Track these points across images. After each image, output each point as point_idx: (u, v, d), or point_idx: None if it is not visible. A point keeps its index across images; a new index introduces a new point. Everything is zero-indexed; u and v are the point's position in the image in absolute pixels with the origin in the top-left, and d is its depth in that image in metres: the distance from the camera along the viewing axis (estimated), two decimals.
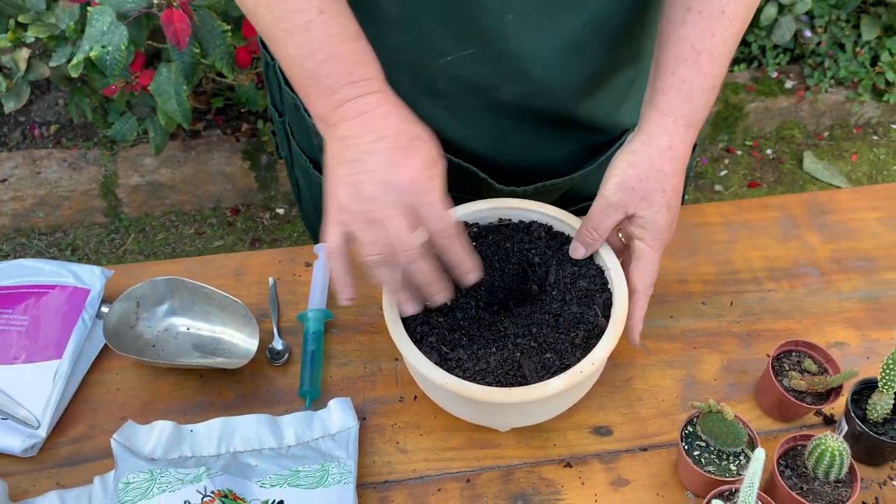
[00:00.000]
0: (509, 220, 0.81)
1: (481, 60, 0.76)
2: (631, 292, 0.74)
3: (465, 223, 0.80)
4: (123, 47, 1.24)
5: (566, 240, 0.79)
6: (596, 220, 0.74)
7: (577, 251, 0.77)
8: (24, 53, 1.64)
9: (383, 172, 0.63)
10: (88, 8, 1.26)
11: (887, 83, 2.31)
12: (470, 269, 0.69)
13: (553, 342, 0.72)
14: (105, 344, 0.83)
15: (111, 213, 2.09)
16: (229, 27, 1.33)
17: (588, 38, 0.75)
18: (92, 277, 0.86)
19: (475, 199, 0.82)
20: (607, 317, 0.72)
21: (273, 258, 0.93)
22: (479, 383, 0.68)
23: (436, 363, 0.69)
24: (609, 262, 0.76)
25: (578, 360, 0.69)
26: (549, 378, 0.68)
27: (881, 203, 0.99)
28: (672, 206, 0.73)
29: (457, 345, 0.72)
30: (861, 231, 0.96)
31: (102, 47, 1.24)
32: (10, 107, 1.66)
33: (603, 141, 0.89)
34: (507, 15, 0.71)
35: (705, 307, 0.88)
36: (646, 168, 0.72)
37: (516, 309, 0.76)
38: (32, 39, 1.62)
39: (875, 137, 2.39)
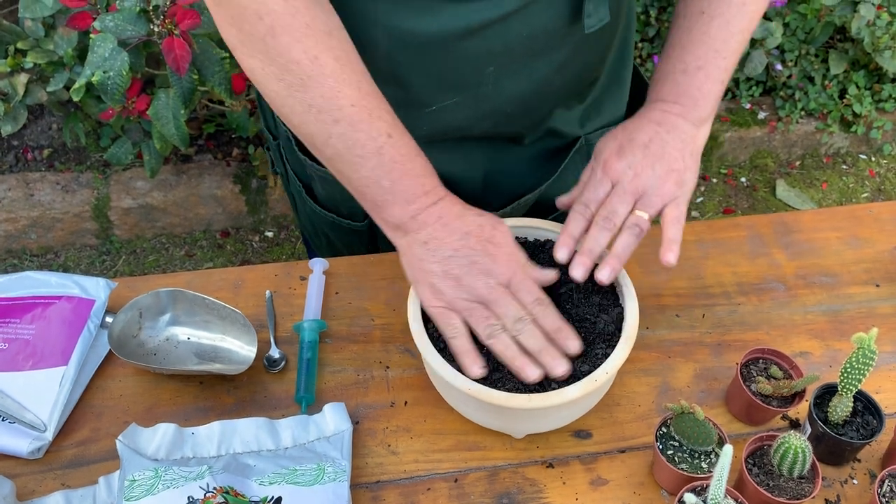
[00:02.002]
0: (525, 238, 0.86)
1: (462, 107, 0.82)
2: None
3: None
4: (124, 72, 1.29)
5: None
6: (586, 191, 0.80)
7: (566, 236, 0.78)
8: (23, 78, 1.69)
9: (482, 263, 0.72)
10: (91, 35, 1.31)
11: (855, 115, 2.41)
12: (569, 336, 0.73)
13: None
14: (109, 352, 0.87)
15: (103, 235, 2.12)
16: (227, 55, 1.39)
17: (555, 78, 0.83)
18: (97, 289, 0.90)
19: None
20: (619, 329, 0.77)
21: (269, 272, 0.97)
22: (499, 390, 0.72)
23: (458, 370, 0.73)
24: (621, 278, 0.80)
25: (592, 369, 0.73)
26: (566, 386, 0.72)
27: (842, 223, 1.05)
28: (662, 158, 0.78)
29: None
30: (824, 249, 1.02)
31: (104, 72, 1.29)
32: (7, 130, 1.71)
33: (561, 146, 0.95)
34: (489, 68, 0.78)
35: (679, 319, 0.93)
36: (622, 129, 0.81)
37: None
38: (31, 65, 1.67)
39: (844, 167, 2.49)
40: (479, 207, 0.92)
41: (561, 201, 0.84)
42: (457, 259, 0.72)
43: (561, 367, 0.72)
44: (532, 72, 0.80)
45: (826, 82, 2.40)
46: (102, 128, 2.11)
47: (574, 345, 0.73)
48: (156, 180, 2.10)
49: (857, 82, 2.39)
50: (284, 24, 0.67)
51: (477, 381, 0.73)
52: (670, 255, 0.76)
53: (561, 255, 0.77)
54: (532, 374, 0.71)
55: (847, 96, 2.40)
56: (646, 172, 0.77)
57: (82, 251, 2.12)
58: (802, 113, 2.43)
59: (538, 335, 0.72)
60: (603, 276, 0.75)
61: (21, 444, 0.78)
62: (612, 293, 0.81)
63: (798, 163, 2.49)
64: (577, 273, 0.75)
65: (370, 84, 0.72)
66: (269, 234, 2.21)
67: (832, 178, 2.45)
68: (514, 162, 0.92)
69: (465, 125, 0.85)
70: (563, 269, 0.83)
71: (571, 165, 0.94)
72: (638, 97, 0.99)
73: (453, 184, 0.90)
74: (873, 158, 2.52)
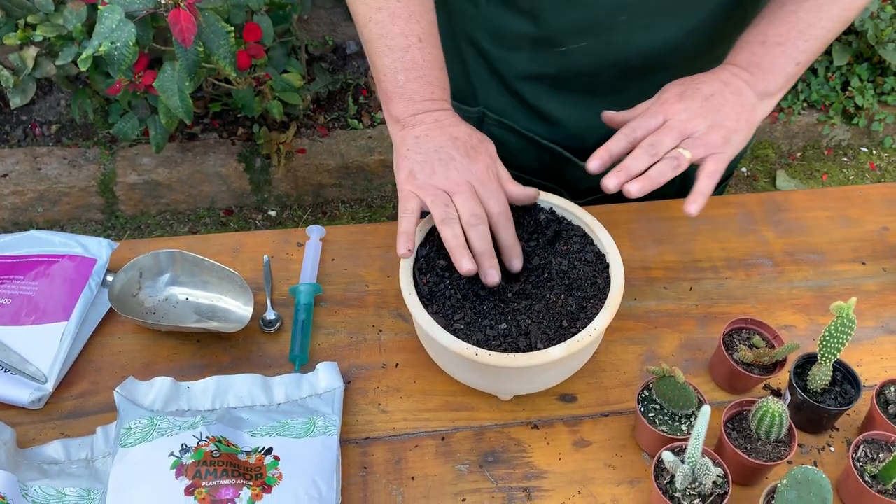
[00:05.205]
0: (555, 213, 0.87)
1: (591, 52, 0.86)
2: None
3: None
4: (131, 44, 1.32)
5: (568, 225, 0.85)
6: (639, 118, 0.80)
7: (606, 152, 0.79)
8: (32, 52, 1.71)
9: (460, 161, 0.78)
10: (99, 6, 1.33)
11: (857, 107, 2.42)
12: (516, 255, 0.80)
13: (555, 314, 0.78)
14: (109, 310, 0.90)
15: (108, 210, 2.15)
16: (233, 29, 1.41)
17: (687, 41, 0.85)
18: (99, 248, 0.92)
19: (559, 184, 0.91)
20: (605, 293, 0.79)
21: (268, 238, 1.00)
22: (484, 349, 0.74)
23: (444, 328, 0.75)
24: (608, 245, 0.82)
25: (578, 330, 0.75)
26: (552, 346, 0.74)
27: (832, 204, 1.07)
28: (719, 112, 0.78)
29: (465, 313, 0.78)
30: (813, 228, 1.04)
31: (111, 43, 1.32)
32: (16, 102, 1.73)
33: None
34: (621, 16, 0.81)
35: (667, 291, 0.95)
36: (691, 78, 0.81)
37: (521, 283, 0.82)
38: (40, 38, 1.69)
39: (845, 159, 2.50)
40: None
41: (606, 114, 0.85)
42: (439, 153, 0.78)
43: (494, 276, 0.76)
44: (663, 29, 0.82)
45: (829, 74, 2.40)
46: (111, 104, 2.13)
47: (517, 264, 0.79)
48: (161, 157, 2.13)
49: (859, 74, 2.39)
50: None
51: (464, 342, 0.75)
52: (693, 206, 0.76)
53: (593, 165, 0.79)
54: (466, 265, 0.75)
55: (850, 88, 2.41)
56: (698, 119, 0.78)
57: (88, 225, 2.15)
58: (804, 104, 2.43)
59: (487, 238, 0.76)
60: (633, 188, 0.75)
61: (22, 394, 0.80)
62: (599, 259, 0.83)
63: (799, 154, 2.50)
64: (610, 182, 0.76)
65: None
66: (272, 213, 2.24)
67: (833, 170, 2.46)
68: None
69: (592, 70, 0.88)
70: (552, 238, 0.85)
71: None
72: None
73: (566, 137, 0.93)
74: (874, 151, 2.52)
